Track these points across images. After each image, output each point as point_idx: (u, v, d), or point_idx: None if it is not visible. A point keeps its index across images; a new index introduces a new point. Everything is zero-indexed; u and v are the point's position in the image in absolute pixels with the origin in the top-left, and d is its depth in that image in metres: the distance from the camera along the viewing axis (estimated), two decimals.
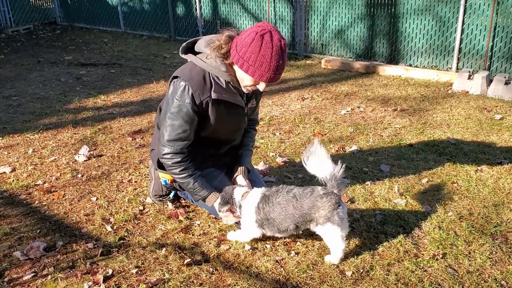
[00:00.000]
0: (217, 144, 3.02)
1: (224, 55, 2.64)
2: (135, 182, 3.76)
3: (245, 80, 2.66)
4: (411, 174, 3.83)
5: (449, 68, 6.86)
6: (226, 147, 3.12)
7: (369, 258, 2.75)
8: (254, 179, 3.17)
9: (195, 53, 2.78)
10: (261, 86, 2.68)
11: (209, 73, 2.72)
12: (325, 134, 4.75)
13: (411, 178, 3.76)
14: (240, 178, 3.03)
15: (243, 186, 2.89)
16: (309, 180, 3.72)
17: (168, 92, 2.80)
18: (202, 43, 2.75)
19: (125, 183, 3.74)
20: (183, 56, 2.82)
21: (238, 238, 2.91)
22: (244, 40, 2.52)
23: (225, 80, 2.73)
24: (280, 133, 4.78)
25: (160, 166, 3.10)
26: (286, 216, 2.65)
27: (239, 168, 3.07)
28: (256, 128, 3.34)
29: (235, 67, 2.66)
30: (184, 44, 2.84)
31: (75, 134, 4.81)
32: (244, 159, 3.14)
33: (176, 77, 2.76)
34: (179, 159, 2.81)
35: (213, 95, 2.72)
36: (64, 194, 3.57)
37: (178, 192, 3.32)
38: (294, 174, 3.84)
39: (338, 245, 2.65)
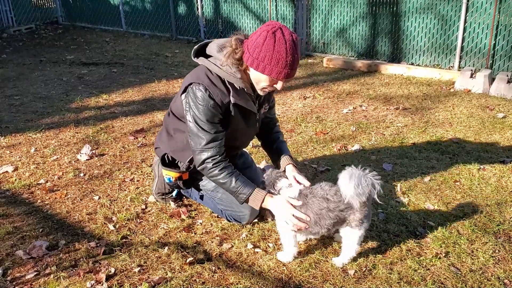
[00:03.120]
0: (227, 150, 3.00)
1: (238, 61, 2.62)
2: (137, 181, 3.76)
3: (262, 82, 2.64)
4: (414, 172, 3.82)
5: (451, 66, 6.85)
6: (235, 153, 3.15)
7: (371, 256, 2.74)
8: (254, 177, 3.16)
9: (206, 56, 2.77)
10: (279, 85, 2.65)
11: (224, 78, 2.72)
12: (327, 133, 4.75)
13: (414, 176, 3.75)
14: (289, 168, 2.95)
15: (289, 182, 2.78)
16: (311, 179, 3.72)
17: (187, 100, 2.75)
18: (214, 48, 2.72)
19: (127, 182, 3.74)
20: (195, 59, 2.80)
21: (284, 258, 2.74)
22: (256, 41, 2.51)
23: (239, 86, 2.72)
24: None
25: (165, 163, 3.10)
26: (318, 219, 2.58)
27: (283, 157, 3.03)
28: (278, 124, 3.32)
29: (250, 70, 2.64)
30: (196, 47, 2.82)
31: (77, 133, 4.81)
32: (282, 150, 3.09)
33: (192, 83, 2.74)
34: (219, 159, 2.78)
35: (232, 100, 2.72)
36: (67, 193, 3.58)
37: (181, 190, 3.33)
38: None
39: (353, 251, 2.64)
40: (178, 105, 2.94)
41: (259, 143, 3.37)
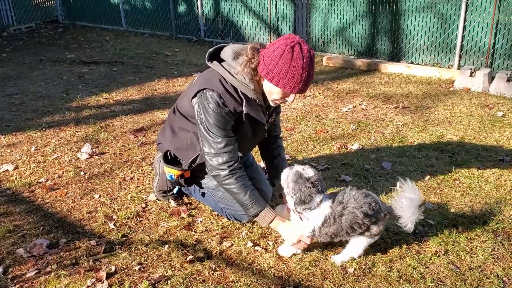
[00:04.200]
0: None
1: (253, 71, 2.61)
2: (138, 179, 3.77)
3: (274, 93, 2.64)
4: (413, 171, 3.83)
5: (451, 65, 6.86)
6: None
7: (371, 254, 2.75)
8: (258, 177, 3.17)
9: (219, 60, 2.75)
10: (290, 98, 2.65)
11: (238, 88, 2.71)
12: (327, 132, 4.76)
13: (413, 175, 3.76)
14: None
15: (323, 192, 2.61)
16: None
17: (200, 105, 2.73)
18: (229, 54, 2.69)
19: (128, 181, 3.75)
20: (209, 63, 2.78)
21: (288, 251, 2.77)
22: (273, 53, 2.50)
23: (251, 97, 2.72)
24: (282, 131, 4.78)
25: (167, 160, 3.11)
26: (350, 231, 2.58)
27: None
28: (281, 136, 3.31)
29: (264, 81, 2.64)
30: (210, 50, 2.79)
31: (77, 132, 4.82)
32: (284, 167, 3.07)
33: (205, 89, 2.71)
34: (235, 165, 2.76)
35: (245, 110, 2.72)
36: (67, 191, 3.58)
37: (182, 188, 3.33)
38: None
39: (356, 253, 2.67)
40: (185, 105, 2.93)
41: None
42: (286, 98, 2.67)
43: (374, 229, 2.59)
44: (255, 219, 2.85)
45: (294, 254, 2.75)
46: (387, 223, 2.60)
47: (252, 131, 2.90)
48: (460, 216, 3.15)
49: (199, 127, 2.78)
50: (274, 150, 3.20)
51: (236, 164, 2.77)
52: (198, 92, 2.74)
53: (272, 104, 2.76)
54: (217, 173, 2.77)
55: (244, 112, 2.73)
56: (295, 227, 2.68)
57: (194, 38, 9.49)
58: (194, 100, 2.78)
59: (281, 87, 2.55)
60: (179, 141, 3.06)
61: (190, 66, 7.48)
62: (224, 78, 2.72)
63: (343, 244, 2.74)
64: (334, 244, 2.84)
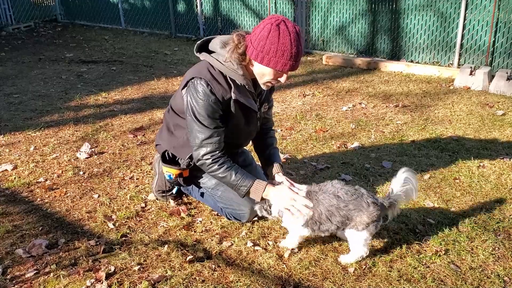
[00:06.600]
0: (228, 148, 2.95)
1: (241, 55, 2.61)
2: (137, 179, 3.76)
3: (266, 75, 2.63)
4: (413, 170, 3.82)
5: (451, 64, 6.84)
6: (236, 151, 3.15)
7: (371, 254, 2.73)
8: (255, 175, 3.16)
9: (209, 52, 2.77)
10: (283, 78, 2.65)
11: (226, 74, 2.72)
12: (327, 131, 4.74)
13: None
14: (279, 176, 2.97)
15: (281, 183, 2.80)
16: (311, 177, 3.72)
17: (188, 94, 2.74)
18: (217, 44, 2.72)
19: (127, 180, 3.74)
20: (197, 54, 2.80)
21: (289, 244, 2.80)
22: (260, 34, 2.50)
23: (241, 83, 2.72)
24: (281, 130, 4.78)
25: (165, 160, 3.10)
26: (329, 216, 2.59)
27: (275, 165, 3.03)
28: (274, 128, 3.32)
29: (254, 65, 2.63)
30: (198, 42, 2.81)
31: (76, 131, 4.81)
32: (275, 157, 3.10)
33: (194, 77, 2.72)
34: (219, 154, 2.79)
35: (233, 96, 2.72)
36: (66, 191, 3.57)
37: (181, 188, 3.32)
38: (296, 171, 3.83)
39: (361, 252, 2.64)
40: (178, 101, 2.93)
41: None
42: (279, 79, 2.66)
43: (358, 219, 2.55)
44: (251, 197, 2.84)
45: (293, 251, 2.74)
46: (375, 217, 2.55)
47: (244, 120, 2.89)
48: (460, 216, 3.14)
49: (186, 116, 2.79)
50: (266, 140, 3.21)
51: (220, 153, 2.80)
52: (187, 82, 2.76)
53: (264, 87, 2.76)
54: (202, 162, 2.82)
55: (233, 98, 2.72)
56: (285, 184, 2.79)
57: (194, 37, 9.47)
58: (184, 90, 2.80)
59: (272, 66, 2.54)
60: (176, 139, 3.06)
61: (190, 65, 7.43)
62: (212, 66, 2.73)
63: (342, 244, 2.73)
64: (333, 244, 2.83)
